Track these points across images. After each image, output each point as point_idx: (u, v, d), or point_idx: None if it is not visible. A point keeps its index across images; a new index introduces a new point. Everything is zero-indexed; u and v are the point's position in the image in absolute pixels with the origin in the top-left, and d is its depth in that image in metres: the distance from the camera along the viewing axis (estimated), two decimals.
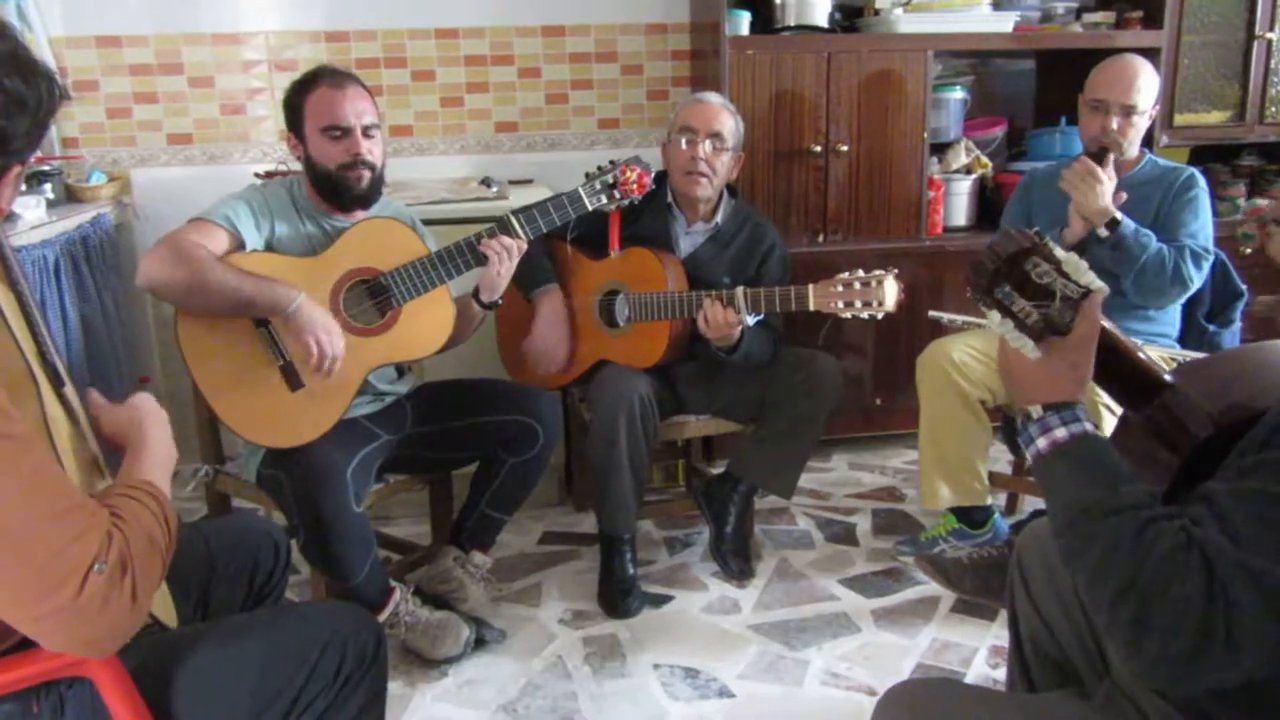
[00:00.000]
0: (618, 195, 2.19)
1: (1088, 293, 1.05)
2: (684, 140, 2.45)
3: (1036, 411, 1.08)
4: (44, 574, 0.97)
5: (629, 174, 2.17)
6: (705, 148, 2.43)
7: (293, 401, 2.08)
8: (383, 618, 2.15)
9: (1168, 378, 1.15)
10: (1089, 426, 1.06)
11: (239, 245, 2.07)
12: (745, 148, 2.59)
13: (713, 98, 2.53)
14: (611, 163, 2.22)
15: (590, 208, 2.19)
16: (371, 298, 2.16)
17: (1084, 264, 1.06)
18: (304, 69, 2.22)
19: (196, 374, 2.07)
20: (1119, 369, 1.14)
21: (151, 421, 1.29)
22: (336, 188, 2.14)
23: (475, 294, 2.24)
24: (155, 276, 1.97)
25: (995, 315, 1.07)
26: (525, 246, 2.19)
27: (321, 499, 1.97)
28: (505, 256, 2.15)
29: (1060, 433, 1.06)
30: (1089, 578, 0.98)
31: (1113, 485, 1.01)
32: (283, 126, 2.21)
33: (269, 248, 2.13)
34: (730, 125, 2.48)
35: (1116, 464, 1.03)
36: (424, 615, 2.22)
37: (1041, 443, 1.07)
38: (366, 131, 2.12)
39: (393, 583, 2.21)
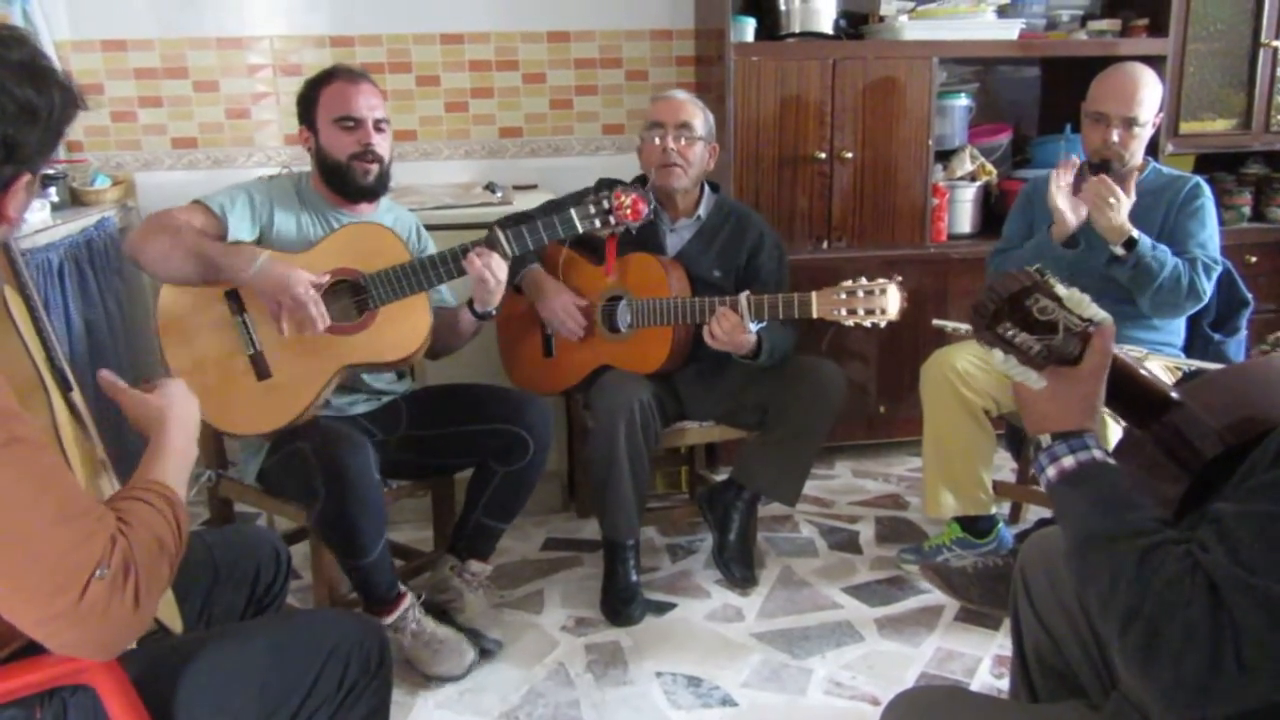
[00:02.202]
0: (612, 221, 2.14)
1: (1091, 324, 1.06)
2: (655, 136, 2.49)
3: (1046, 440, 1.09)
4: (48, 578, 0.97)
5: (623, 199, 2.12)
6: (674, 139, 2.46)
7: (256, 390, 2.11)
8: (390, 620, 2.14)
9: (1174, 395, 1.14)
10: (1098, 455, 1.07)
11: (222, 234, 2.13)
12: (749, 154, 2.60)
13: (678, 93, 2.59)
14: (610, 189, 2.17)
15: (580, 230, 2.16)
16: (351, 296, 2.17)
17: (1086, 298, 1.07)
18: (309, 74, 2.25)
19: (169, 354, 2.14)
20: (1124, 390, 1.13)
21: (175, 415, 1.28)
22: (344, 178, 2.20)
23: (469, 304, 2.23)
24: (136, 244, 2.09)
25: (998, 354, 1.08)
26: (508, 263, 2.17)
27: (346, 456, 1.99)
28: (490, 274, 2.12)
29: (1068, 461, 1.07)
30: (1099, 607, 0.98)
31: (1119, 513, 1.00)
32: (288, 131, 2.23)
33: (261, 240, 2.17)
34: (699, 117, 2.52)
35: (1124, 491, 1.03)
36: (429, 627, 2.19)
37: (1051, 472, 1.08)
38: (378, 125, 2.20)
39: (403, 588, 2.20)
